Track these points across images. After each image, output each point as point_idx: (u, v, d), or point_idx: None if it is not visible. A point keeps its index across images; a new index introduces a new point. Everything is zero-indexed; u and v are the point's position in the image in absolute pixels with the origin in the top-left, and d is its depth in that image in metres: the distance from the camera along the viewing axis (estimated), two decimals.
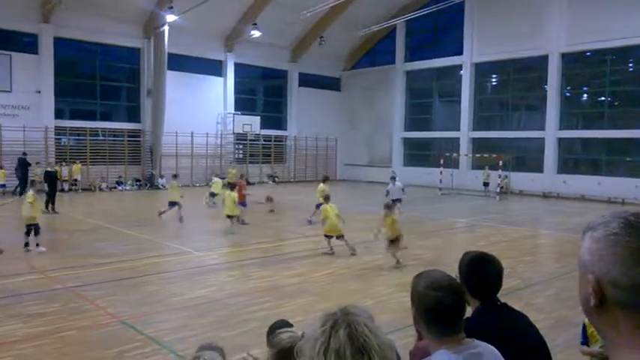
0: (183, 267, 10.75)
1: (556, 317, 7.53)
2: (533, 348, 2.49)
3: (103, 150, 28.01)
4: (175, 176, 18.53)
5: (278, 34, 31.96)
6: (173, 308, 7.85)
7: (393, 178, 18.30)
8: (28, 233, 11.84)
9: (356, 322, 1.34)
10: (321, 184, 16.65)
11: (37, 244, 11.83)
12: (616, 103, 26.98)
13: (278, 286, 9.09)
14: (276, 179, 34.06)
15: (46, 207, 17.75)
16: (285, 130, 36.12)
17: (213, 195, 20.44)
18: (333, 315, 1.37)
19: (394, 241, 10.96)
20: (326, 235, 12.02)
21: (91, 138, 27.63)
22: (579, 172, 26.97)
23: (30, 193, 12.30)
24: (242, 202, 16.50)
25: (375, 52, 37.49)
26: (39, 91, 25.36)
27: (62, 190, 24.05)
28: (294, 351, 1.45)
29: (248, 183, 31.07)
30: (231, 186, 15.74)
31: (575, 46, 26.55)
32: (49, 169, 19.86)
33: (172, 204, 16.68)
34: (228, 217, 14.63)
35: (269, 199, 19.45)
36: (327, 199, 12.57)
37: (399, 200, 17.29)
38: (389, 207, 11.45)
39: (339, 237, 11.87)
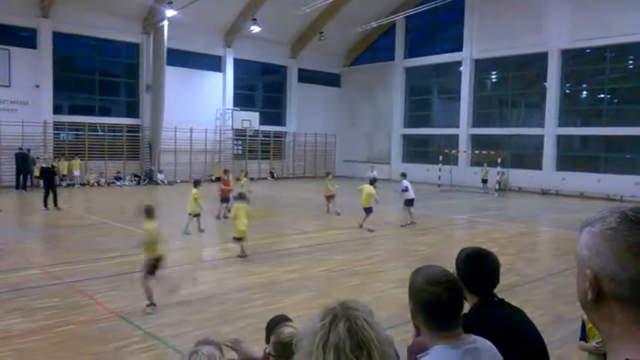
0: (181, 263, 10.75)
1: (554, 313, 7.55)
2: (530, 344, 2.50)
3: (101, 145, 27.95)
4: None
5: (277, 30, 31.88)
6: (171, 304, 7.85)
7: (404, 175, 16.79)
8: None
9: (355, 316, 1.35)
10: (368, 186, 15.38)
11: None
12: (615, 101, 26.95)
13: (276, 282, 9.10)
14: (274, 175, 34.06)
15: (44, 204, 17.66)
16: (284, 126, 36.05)
17: None
18: (333, 309, 1.38)
19: (156, 266, 7.65)
20: (236, 238, 10.96)
21: (90, 133, 27.57)
22: (578, 170, 26.91)
23: None
24: (225, 198, 16.27)
25: (374, 49, 37.42)
26: (38, 86, 25.29)
27: (60, 186, 23.96)
28: (292, 345, 1.46)
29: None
30: (194, 183, 14.53)
31: (575, 43, 26.51)
32: (44, 164, 19.43)
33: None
34: (191, 214, 13.77)
35: (332, 198, 18.08)
36: (242, 197, 11.44)
37: (410, 203, 15.60)
38: (149, 212, 8.05)
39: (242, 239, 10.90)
